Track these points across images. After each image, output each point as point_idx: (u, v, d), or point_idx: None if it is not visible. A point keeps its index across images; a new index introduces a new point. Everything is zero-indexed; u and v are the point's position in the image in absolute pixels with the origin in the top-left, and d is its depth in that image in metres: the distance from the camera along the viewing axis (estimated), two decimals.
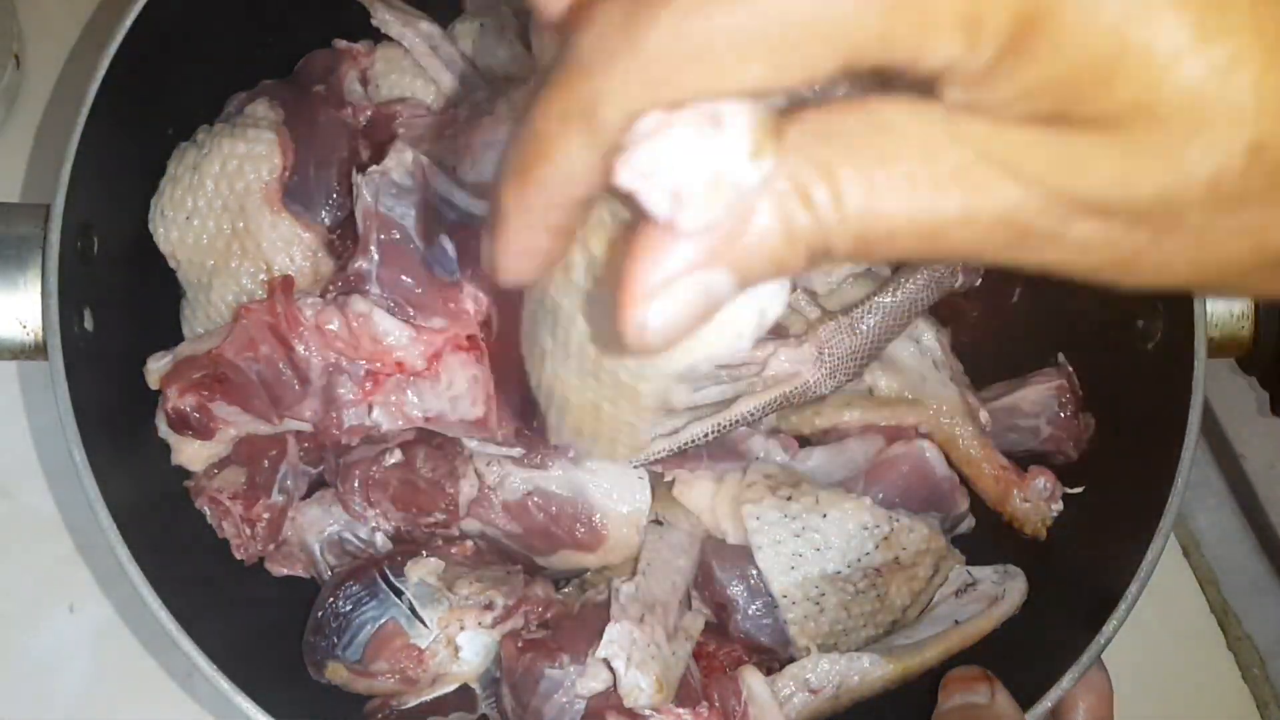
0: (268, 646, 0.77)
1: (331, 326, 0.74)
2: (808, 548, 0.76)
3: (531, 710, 0.74)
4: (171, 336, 0.82)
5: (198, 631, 0.69)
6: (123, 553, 0.69)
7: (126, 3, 0.76)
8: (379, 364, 0.75)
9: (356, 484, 0.78)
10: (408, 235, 0.76)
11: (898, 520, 0.77)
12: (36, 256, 0.73)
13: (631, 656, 0.72)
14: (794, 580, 0.76)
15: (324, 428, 0.76)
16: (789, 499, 0.77)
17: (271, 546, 0.80)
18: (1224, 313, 0.79)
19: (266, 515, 0.79)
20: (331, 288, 0.76)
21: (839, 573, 0.76)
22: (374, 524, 0.79)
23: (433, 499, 0.78)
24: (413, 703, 0.76)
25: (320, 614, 0.76)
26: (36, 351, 0.75)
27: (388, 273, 0.75)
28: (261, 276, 0.80)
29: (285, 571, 0.81)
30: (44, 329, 0.72)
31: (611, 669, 0.72)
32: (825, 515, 0.76)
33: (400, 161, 0.76)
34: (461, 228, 0.77)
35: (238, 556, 0.79)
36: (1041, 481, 0.82)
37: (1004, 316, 0.89)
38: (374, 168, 0.77)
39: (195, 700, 0.94)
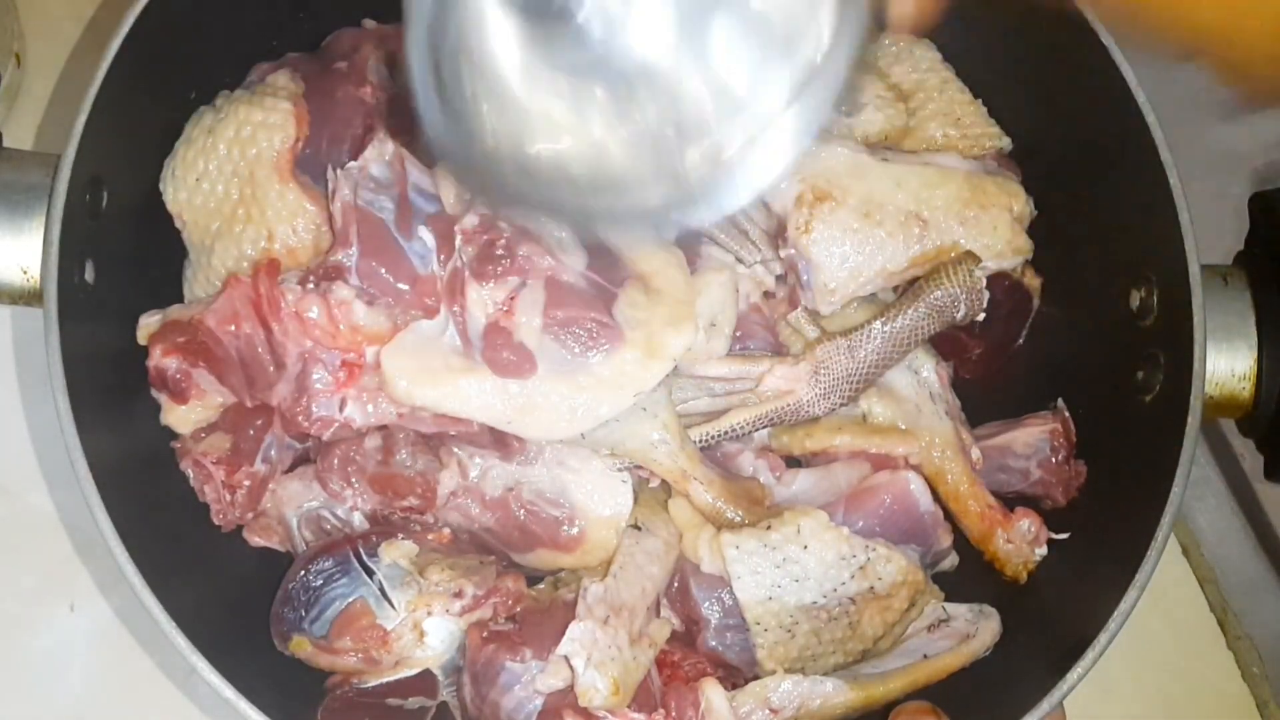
0: (237, 616, 0.77)
1: (311, 314, 0.74)
2: (787, 579, 0.76)
3: (489, 702, 0.74)
4: (172, 297, 0.82)
5: (165, 593, 0.69)
6: (96, 504, 0.69)
7: (127, 3, 0.76)
8: (355, 355, 0.75)
9: (336, 463, 0.78)
10: (387, 229, 0.76)
11: (875, 550, 0.76)
12: (43, 204, 0.74)
13: (592, 656, 0.72)
14: (770, 609, 0.76)
15: (292, 415, 0.76)
16: (769, 528, 0.76)
17: (250, 515, 0.80)
18: (1225, 372, 0.78)
19: (247, 483, 0.79)
20: (312, 277, 0.76)
21: (815, 603, 0.76)
22: (352, 504, 0.79)
23: (409, 484, 0.78)
24: (374, 683, 0.76)
25: (291, 586, 0.76)
26: (34, 298, 0.75)
27: (366, 265, 0.75)
28: (263, 244, 0.80)
29: (261, 542, 0.81)
30: (43, 276, 0.72)
31: (571, 667, 0.72)
32: (806, 546, 0.75)
33: (379, 153, 0.77)
34: (440, 220, 0.77)
35: (216, 521, 0.79)
36: (1026, 523, 0.81)
37: (1006, 357, 0.88)
38: (352, 163, 0.77)
39: (193, 700, 0.94)
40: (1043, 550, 0.81)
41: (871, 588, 0.77)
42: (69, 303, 0.72)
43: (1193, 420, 0.74)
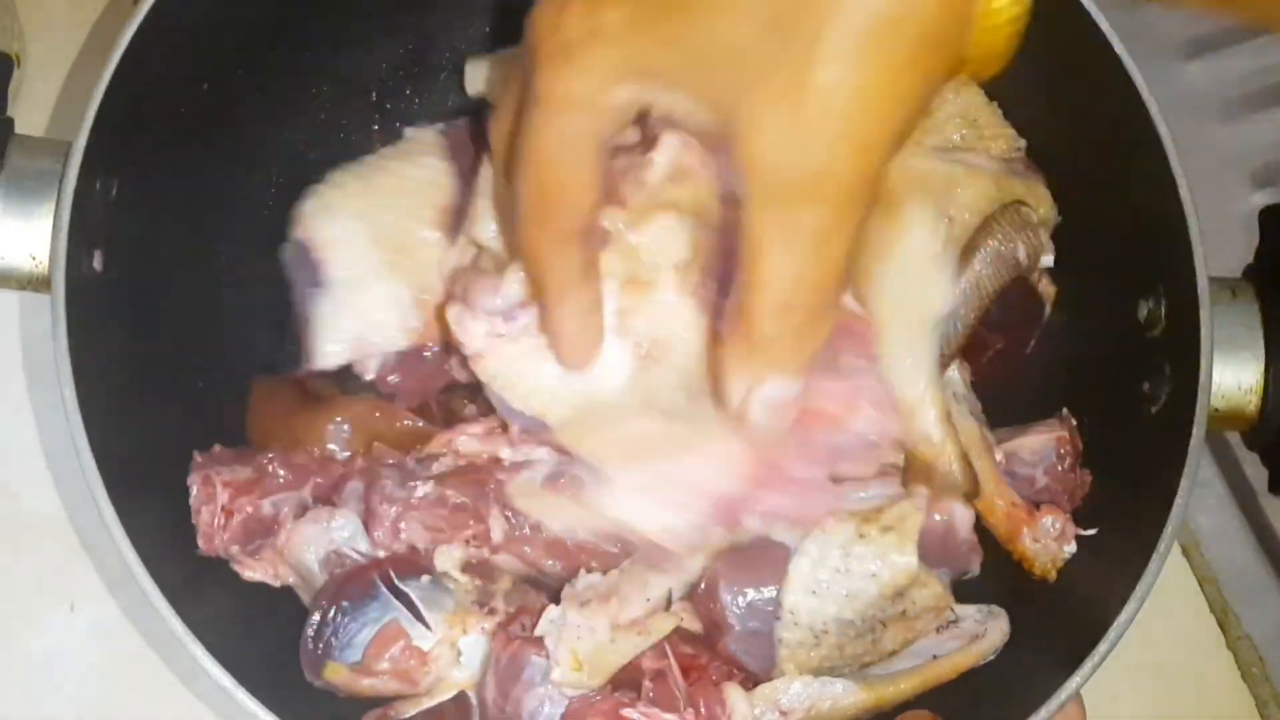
0: (249, 619, 0.77)
1: None
2: (839, 587, 0.75)
3: (512, 699, 0.74)
4: (180, 288, 0.82)
5: (174, 592, 0.69)
6: (101, 497, 0.69)
7: (128, 3, 0.76)
8: None
9: (388, 523, 0.77)
10: None
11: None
12: (53, 191, 0.73)
13: (563, 636, 0.72)
14: (807, 605, 0.75)
15: None
16: (861, 537, 0.75)
17: (235, 549, 0.78)
18: (1231, 384, 0.79)
19: (250, 509, 0.77)
20: None
21: (851, 620, 0.75)
22: (398, 543, 0.78)
23: (463, 523, 0.77)
24: (411, 712, 0.75)
25: (318, 615, 0.75)
26: (42, 284, 0.75)
27: None
28: None
29: (254, 577, 0.78)
30: (51, 263, 0.72)
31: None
32: (874, 575, 0.75)
33: None
34: None
35: (199, 544, 0.77)
36: (1050, 520, 0.81)
37: (1014, 365, 0.88)
38: None
39: (198, 698, 0.94)
40: (1071, 547, 0.81)
41: (904, 611, 0.77)
42: (77, 290, 0.72)
43: (1197, 433, 0.75)
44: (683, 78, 0.55)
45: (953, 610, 0.81)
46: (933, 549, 0.79)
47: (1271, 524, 1.06)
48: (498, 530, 0.77)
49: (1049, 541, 0.81)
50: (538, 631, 0.73)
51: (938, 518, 0.79)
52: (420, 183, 0.83)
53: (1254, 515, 1.07)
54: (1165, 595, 1.02)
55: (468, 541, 0.77)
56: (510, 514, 0.77)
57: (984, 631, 0.79)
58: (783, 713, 0.75)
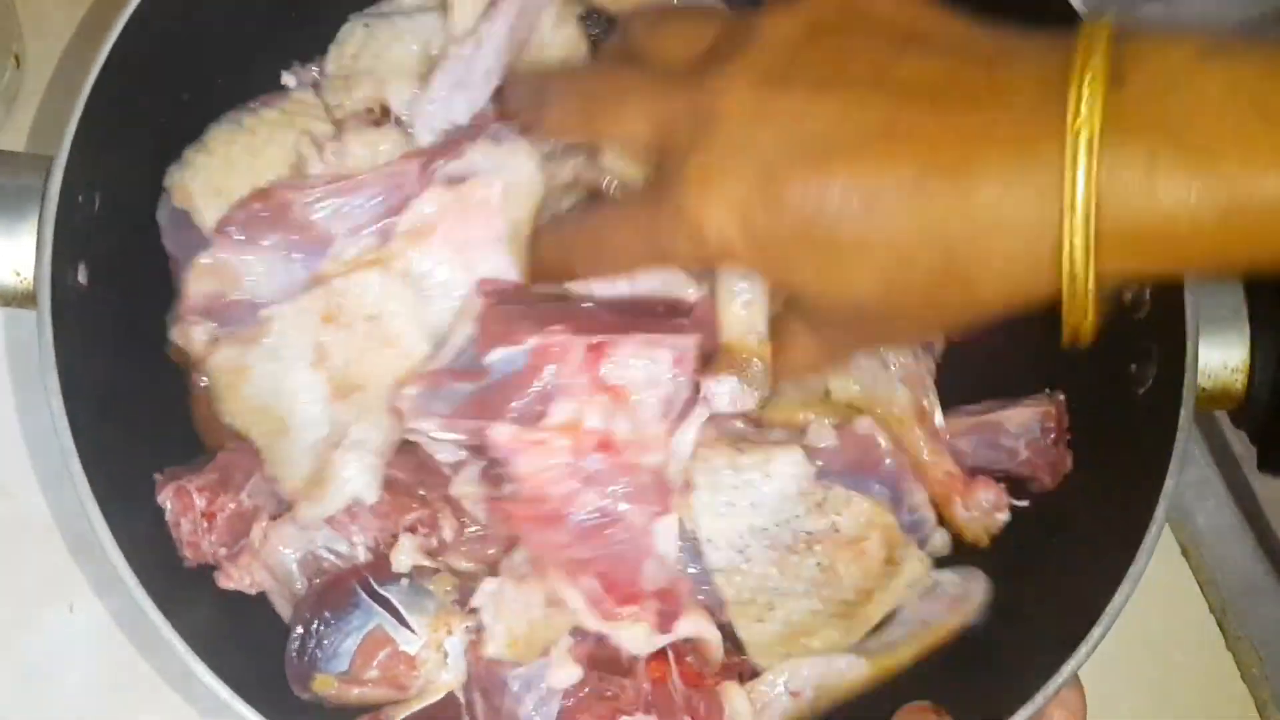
0: (235, 618, 0.77)
1: None
2: (742, 500, 0.76)
3: (506, 712, 0.74)
4: (166, 301, 0.82)
5: (163, 597, 0.70)
6: (91, 507, 0.70)
7: (121, 2, 0.76)
8: None
9: None
10: None
11: (832, 488, 0.77)
12: (36, 206, 0.74)
13: (500, 613, 0.73)
14: (718, 527, 0.76)
15: None
16: (740, 452, 0.76)
17: (224, 551, 0.77)
18: (1218, 364, 0.79)
19: (232, 506, 0.76)
20: None
21: (765, 529, 0.76)
22: (355, 538, 0.77)
23: (406, 506, 0.77)
24: (401, 716, 0.75)
25: (302, 628, 0.75)
26: (27, 300, 0.75)
27: None
28: None
29: (229, 585, 0.77)
30: (36, 278, 0.72)
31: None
32: (769, 475, 0.76)
33: None
34: None
35: (184, 554, 0.76)
36: (984, 493, 0.82)
37: (1006, 341, 0.88)
38: None
39: (192, 703, 0.94)
40: (1004, 515, 0.82)
41: (834, 526, 0.77)
42: (62, 305, 0.73)
43: (1185, 413, 0.75)
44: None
45: (932, 577, 0.81)
46: (854, 463, 0.79)
47: (1271, 524, 1.06)
48: (448, 530, 0.77)
49: (980, 512, 0.82)
50: (473, 603, 0.73)
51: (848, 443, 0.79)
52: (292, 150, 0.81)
53: (1253, 516, 1.07)
54: (1165, 596, 1.02)
55: (414, 529, 0.77)
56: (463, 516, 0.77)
57: (965, 592, 0.80)
58: (792, 694, 0.76)
